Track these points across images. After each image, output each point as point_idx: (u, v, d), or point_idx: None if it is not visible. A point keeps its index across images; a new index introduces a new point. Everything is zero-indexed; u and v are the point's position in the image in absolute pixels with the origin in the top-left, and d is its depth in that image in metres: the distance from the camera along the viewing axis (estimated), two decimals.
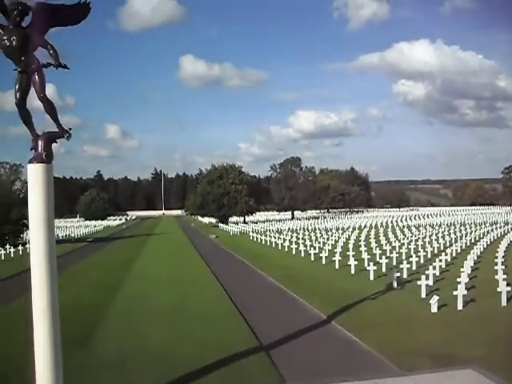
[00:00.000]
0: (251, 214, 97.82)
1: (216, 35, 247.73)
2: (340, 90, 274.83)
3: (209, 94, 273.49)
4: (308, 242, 39.44)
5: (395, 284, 20.89)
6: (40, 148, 8.49)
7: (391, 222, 77.95)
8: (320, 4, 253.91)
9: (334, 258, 28.59)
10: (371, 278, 23.30)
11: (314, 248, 34.87)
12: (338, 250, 31.67)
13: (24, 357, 10.21)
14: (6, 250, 43.59)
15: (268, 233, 56.86)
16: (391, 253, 30.48)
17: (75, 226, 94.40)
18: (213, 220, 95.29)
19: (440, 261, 25.30)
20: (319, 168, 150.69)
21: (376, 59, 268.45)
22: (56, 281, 8.50)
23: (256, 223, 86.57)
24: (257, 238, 51.48)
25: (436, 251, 32.91)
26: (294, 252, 37.10)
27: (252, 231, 62.69)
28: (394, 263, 27.33)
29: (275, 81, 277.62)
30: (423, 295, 18.44)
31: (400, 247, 34.57)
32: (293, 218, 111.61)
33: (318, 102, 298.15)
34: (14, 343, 13.75)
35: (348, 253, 29.75)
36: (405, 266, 23.95)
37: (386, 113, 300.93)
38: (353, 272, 25.58)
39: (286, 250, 39.28)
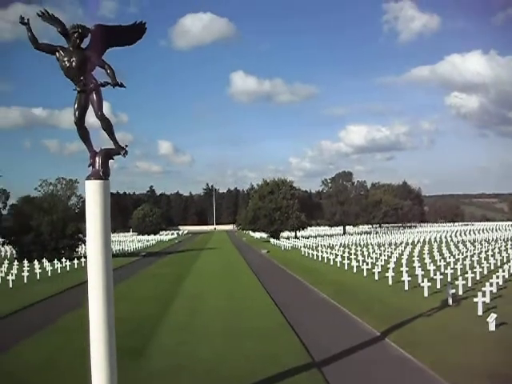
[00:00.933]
0: (302, 229, 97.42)
1: (266, 51, 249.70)
2: (391, 103, 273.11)
3: (259, 109, 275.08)
4: (360, 258, 39.04)
5: (450, 301, 20.47)
6: (97, 165, 8.75)
7: (445, 237, 76.39)
8: (370, 18, 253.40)
9: (386, 274, 28.22)
10: (425, 294, 22.88)
11: (367, 263, 34.48)
12: (391, 265, 31.22)
13: (80, 366, 10.45)
14: (62, 263, 44.64)
15: (319, 248, 56.55)
16: (446, 269, 29.87)
17: (128, 241, 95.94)
18: (264, 235, 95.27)
19: (497, 277, 24.62)
20: (371, 182, 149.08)
21: (427, 72, 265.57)
22: (112, 293, 8.70)
23: (307, 238, 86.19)
24: (308, 253, 51.25)
25: (492, 267, 32.07)
26: (346, 267, 36.78)
27: (303, 246, 62.45)
28: (449, 279, 26.76)
29: (326, 95, 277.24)
30: (480, 313, 18.00)
31: (455, 263, 33.82)
32: (344, 232, 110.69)
33: (368, 116, 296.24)
34: (69, 354, 14.09)
35: (401, 268, 29.31)
36: (460, 282, 23.39)
37: (439, 126, 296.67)
38: (406, 288, 25.18)
39: (338, 265, 38.98)
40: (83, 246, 61.33)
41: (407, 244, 61.69)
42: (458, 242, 63.69)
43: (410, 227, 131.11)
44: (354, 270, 34.43)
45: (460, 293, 22.57)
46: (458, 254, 41.86)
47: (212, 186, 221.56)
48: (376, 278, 29.74)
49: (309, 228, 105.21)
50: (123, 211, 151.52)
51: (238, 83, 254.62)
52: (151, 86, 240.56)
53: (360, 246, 62.59)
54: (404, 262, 34.45)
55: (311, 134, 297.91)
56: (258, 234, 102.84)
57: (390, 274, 27.93)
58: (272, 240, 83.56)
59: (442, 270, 29.88)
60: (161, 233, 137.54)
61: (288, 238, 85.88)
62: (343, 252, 46.39)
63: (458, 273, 28.75)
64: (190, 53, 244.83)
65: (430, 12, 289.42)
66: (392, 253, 45.48)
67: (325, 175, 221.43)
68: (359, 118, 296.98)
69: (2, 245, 68.30)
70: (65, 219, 57.46)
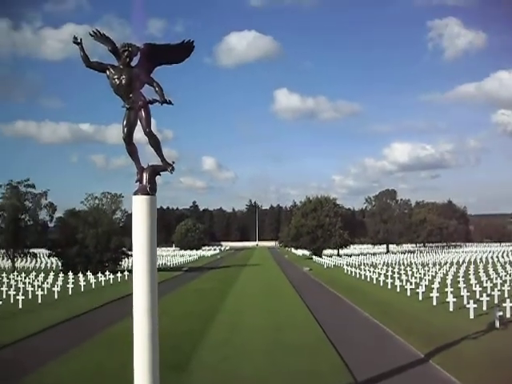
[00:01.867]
0: (345, 247, 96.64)
1: (310, 69, 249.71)
2: (436, 121, 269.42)
3: (303, 126, 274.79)
4: (404, 277, 38.46)
5: (497, 323, 19.96)
6: (145, 180, 8.89)
7: (491, 257, 74.64)
8: (414, 35, 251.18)
9: (431, 294, 27.71)
10: (471, 316, 22.37)
11: (410, 283, 33.96)
12: (436, 285, 30.65)
13: (124, 379, 10.55)
14: (105, 276, 45.29)
15: (362, 266, 55.93)
16: (492, 290, 29.15)
17: (171, 255, 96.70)
18: (306, 252, 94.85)
19: None
20: (415, 201, 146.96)
21: (473, 89, 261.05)
22: (156, 306, 8.79)
23: (350, 256, 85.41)
24: (351, 272, 50.77)
25: None
26: (389, 287, 36.29)
27: (346, 264, 61.90)
28: (496, 301, 26.13)
29: (369, 113, 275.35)
30: None
31: (502, 284, 33.01)
32: (388, 251, 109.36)
33: (413, 134, 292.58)
34: (113, 366, 14.25)
35: (446, 289, 28.76)
36: (508, 304, 22.79)
37: (485, 143, 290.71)
38: (451, 309, 24.69)
39: (381, 284, 38.48)
40: (127, 259, 62.16)
41: (452, 264, 60.54)
42: (505, 262, 62.18)
43: (454, 247, 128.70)
44: (398, 290, 33.94)
45: (508, 315, 22.01)
46: (505, 276, 40.86)
47: (255, 203, 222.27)
48: (420, 298, 29.25)
49: (351, 246, 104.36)
50: (166, 226, 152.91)
51: (281, 100, 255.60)
52: (196, 102, 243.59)
53: (403, 265, 61.69)
54: (449, 282, 33.81)
55: (355, 151, 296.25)
56: (300, 252, 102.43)
57: (434, 294, 27.42)
58: (314, 257, 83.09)
59: (489, 292, 29.19)
60: (203, 248, 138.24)
61: (330, 256, 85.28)
62: (386, 271, 45.79)
63: (506, 295, 28.05)
64: (235, 70, 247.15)
65: (475, 29, 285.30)
66: (436, 273, 44.67)
67: (368, 193, 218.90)
68: (403, 136, 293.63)
69: (49, 256, 69.65)
70: (109, 233, 58.41)
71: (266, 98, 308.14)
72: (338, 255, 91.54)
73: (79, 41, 9.11)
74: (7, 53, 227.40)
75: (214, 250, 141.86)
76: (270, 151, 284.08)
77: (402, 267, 54.55)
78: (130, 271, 48.84)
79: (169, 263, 74.85)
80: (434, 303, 26.85)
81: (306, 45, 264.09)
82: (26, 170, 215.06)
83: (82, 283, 39.19)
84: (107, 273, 46.92)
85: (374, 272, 44.95)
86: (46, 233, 69.86)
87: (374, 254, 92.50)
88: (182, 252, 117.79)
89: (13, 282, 39.61)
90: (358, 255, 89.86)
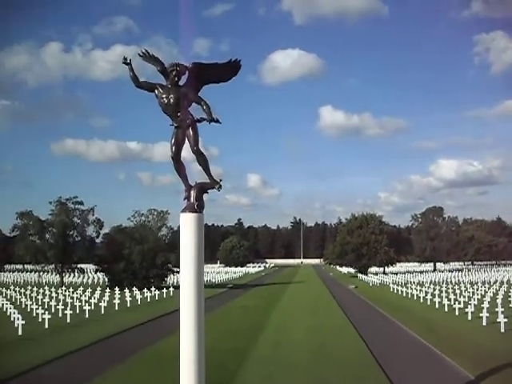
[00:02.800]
0: (391, 265, 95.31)
1: (355, 86, 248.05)
2: (483, 136, 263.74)
3: (348, 143, 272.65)
4: (452, 296, 37.69)
5: None
6: (192, 198, 8.96)
7: None
8: (459, 50, 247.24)
9: (480, 314, 27.06)
10: None
11: (459, 302, 33.22)
12: (485, 305, 29.92)
13: None
14: (151, 292, 45.71)
15: (409, 284, 55.03)
16: None
17: (216, 272, 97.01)
18: (351, 270, 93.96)
19: None
20: (462, 218, 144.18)
21: None
22: (203, 323, 8.81)
23: (396, 274, 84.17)
24: (397, 290, 50.01)
25: None
26: (436, 306, 35.58)
27: (392, 282, 61.04)
28: None
29: (415, 129, 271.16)
30: None
31: None
32: (435, 269, 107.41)
33: (459, 150, 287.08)
34: (159, 382, 14.31)
35: (496, 309, 27.98)
36: None
37: None
38: (502, 330, 24.02)
39: (428, 303, 37.78)
40: (172, 275, 62.65)
41: (502, 283, 59.04)
42: None
43: (504, 265, 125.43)
44: (446, 309, 33.27)
45: None
46: None
47: (299, 220, 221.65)
48: (469, 317, 28.59)
49: (398, 264, 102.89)
50: (211, 243, 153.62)
51: (326, 117, 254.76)
52: (242, 120, 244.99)
53: (451, 283, 60.47)
54: (499, 301, 32.94)
55: (400, 168, 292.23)
56: (345, 269, 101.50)
57: (484, 314, 26.77)
58: (360, 275, 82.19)
59: None
60: (248, 265, 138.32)
61: (376, 274, 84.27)
62: (434, 289, 44.94)
63: None
64: (279, 88, 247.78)
65: None
66: (486, 292, 43.64)
67: (414, 210, 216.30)
68: (450, 152, 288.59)
69: (96, 272, 70.71)
70: (155, 249, 59.04)
71: (310, 115, 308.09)
72: (384, 273, 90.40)
73: (129, 61, 9.30)
74: (59, 74, 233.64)
75: (259, 267, 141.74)
76: (315, 168, 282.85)
77: (450, 286, 53.45)
78: (176, 287, 49.19)
79: (214, 280, 75.06)
80: (484, 323, 26.20)
81: (351, 62, 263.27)
82: (75, 187, 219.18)
83: (128, 299, 39.63)
84: (153, 289, 47.34)
85: (420, 290, 44.20)
86: (93, 248, 71.12)
87: (421, 272, 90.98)
88: (227, 269, 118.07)
89: (61, 297, 40.33)
90: (405, 273, 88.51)
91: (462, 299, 35.25)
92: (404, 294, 46.03)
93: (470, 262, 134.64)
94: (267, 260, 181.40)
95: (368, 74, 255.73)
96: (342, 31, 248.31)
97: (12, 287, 54.36)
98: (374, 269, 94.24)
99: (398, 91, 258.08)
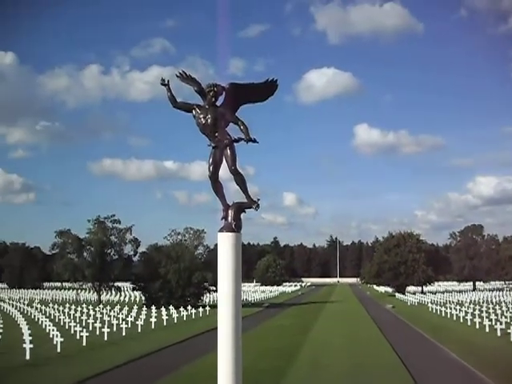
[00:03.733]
0: (429, 284, 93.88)
1: (390, 103, 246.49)
2: None
3: (384, 161, 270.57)
4: (493, 316, 36.89)
5: None
6: (230, 218, 8.97)
7: None
8: (496, 65, 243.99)
9: None
10: None
11: (500, 323, 32.49)
12: None
13: None
14: (187, 310, 45.82)
15: (448, 304, 54.09)
16: None
17: (252, 291, 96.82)
18: (389, 289, 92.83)
19: None
20: (502, 236, 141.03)
21: None
22: (240, 342, 8.78)
23: (434, 293, 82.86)
24: (436, 310, 49.17)
25: None
26: (477, 326, 34.85)
27: (430, 302, 60.05)
28: None
29: (452, 146, 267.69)
30: None
31: None
32: (474, 289, 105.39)
33: (498, 167, 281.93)
34: None
35: None
36: None
37: None
38: None
39: (469, 323, 37.03)
40: (208, 294, 62.75)
41: None
42: None
43: None
44: (487, 330, 32.55)
45: None
46: None
47: (336, 238, 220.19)
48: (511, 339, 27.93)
49: (436, 283, 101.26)
50: (247, 262, 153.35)
51: (361, 135, 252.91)
52: (277, 139, 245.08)
53: (492, 303, 59.25)
54: None
55: (437, 185, 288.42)
56: (382, 288, 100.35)
57: None
58: (397, 295, 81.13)
59: None
60: (284, 284, 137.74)
61: (414, 293, 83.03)
62: (474, 309, 44.07)
63: None
64: (315, 107, 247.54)
65: None
66: None
67: (453, 228, 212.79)
68: (488, 169, 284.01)
69: (133, 290, 71.30)
70: (191, 268, 59.28)
71: (346, 133, 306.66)
72: (422, 292, 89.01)
73: (166, 82, 9.43)
74: (98, 95, 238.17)
75: (295, 286, 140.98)
76: (351, 186, 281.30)
77: (491, 306, 52.38)
78: (212, 306, 49.29)
79: (250, 299, 74.87)
80: None
81: (386, 79, 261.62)
82: (113, 205, 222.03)
83: (165, 317, 39.81)
84: (189, 307, 47.46)
85: (460, 310, 43.40)
86: (131, 267, 71.75)
87: (460, 292, 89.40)
88: (263, 288, 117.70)
89: (98, 315, 40.71)
90: (443, 292, 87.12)
91: (503, 320, 34.49)
92: (443, 314, 45.24)
93: (511, 282, 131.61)
94: (303, 279, 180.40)
95: (403, 91, 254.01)
96: (376, 49, 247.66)
97: (51, 305, 55.10)
98: (411, 288, 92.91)
99: (433, 108, 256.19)
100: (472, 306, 50.73)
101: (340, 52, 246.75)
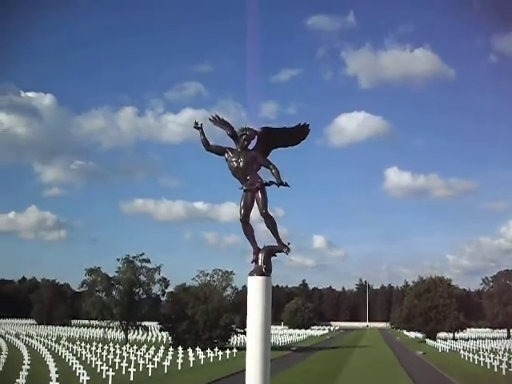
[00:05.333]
0: (461, 330, 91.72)
1: (421, 147, 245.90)
2: None
3: (414, 204, 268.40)
4: None
5: None
6: (260, 261, 8.94)
7: None
8: None
9: None
10: None
11: None
12: None
13: None
14: (214, 352, 45.39)
15: (481, 352, 52.65)
16: None
17: (279, 334, 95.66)
18: (419, 335, 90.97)
19: None
20: None
21: None
22: None
23: (467, 340, 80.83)
24: (468, 357, 47.91)
25: None
26: None
27: (463, 349, 58.53)
28: None
29: (484, 190, 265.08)
30: None
31: None
32: (509, 336, 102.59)
33: None
34: None
35: None
36: None
37: None
38: None
39: (504, 372, 35.97)
40: (235, 336, 62.18)
41: None
42: None
43: None
44: None
45: None
46: None
47: (365, 282, 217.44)
48: None
49: (468, 329, 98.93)
50: (275, 304, 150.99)
51: (392, 179, 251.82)
52: (307, 182, 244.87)
53: None
54: None
55: (469, 229, 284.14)
56: (412, 334, 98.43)
57: None
58: (428, 341, 79.42)
59: None
60: (312, 327, 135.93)
61: (445, 340, 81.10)
62: (509, 358, 42.81)
63: None
64: (345, 150, 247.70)
65: None
66: None
67: (485, 273, 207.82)
68: None
69: (160, 330, 71.07)
70: (219, 309, 58.97)
71: (376, 176, 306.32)
72: (454, 339, 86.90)
73: (200, 126, 9.55)
74: (131, 137, 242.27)
75: (323, 329, 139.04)
76: (381, 229, 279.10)
77: None
78: (239, 349, 48.81)
79: (277, 342, 73.92)
80: None
81: (416, 123, 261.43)
82: (142, 245, 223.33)
83: (192, 359, 39.48)
84: (216, 349, 47.03)
85: (494, 359, 42.19)
86: (158, 307, 71.64)
87: (494, 339, 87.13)
88: (291, 331, 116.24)
89: (125, 354, 40.55)
90: (476, 339, 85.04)
91: None
92: (476, 362, 44.07)
93: None
94: (332, 322, 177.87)
95: (434, 135, 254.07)
96: (407, 94, 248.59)
97: (78, 342, 55.07)
98: (442, 334, 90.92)
99: (464, 152, 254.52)
100: (507, 354, 49.31)
101: (371, 96, 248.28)
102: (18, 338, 63.55)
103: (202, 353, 43.78)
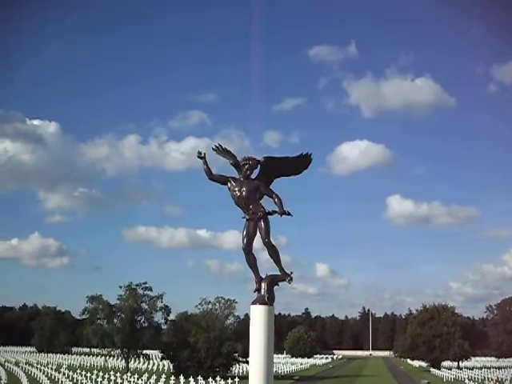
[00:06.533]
0: (466, 359, 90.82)
1: (423, 175, 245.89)
2: None
3: (417, 232, 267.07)
4: None
5: None
6: (263, 290, 8.90)
7: None
8: None
9: None
10: None
11: None
12: None
13: None
14: (216, 381, 44.93)
15: (486, 381, 52.06)
16: None
17: (282, 363, 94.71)
18: (423, 364, 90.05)
19: None
20: None
21: None
22: None
23: (472, 369, 79.85)
24: None
25: None
26: None
27: (468, 378, 57.82)
28: None
29: (486, 217, 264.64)
30: None
31: None
32: None
33: None
34: None
35: None
36: None
37: None
38: None
39: None
40: (238, 365, 61.61)
41: None
42: None
43: None
44: None
45: None
46: None
47: (368, 310, 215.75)
48: None
49: (473, 358, 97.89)
50: (278, 332, 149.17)
51: (394, 207, 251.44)
52: (310, 210, 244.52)
53: None
54: None
55: (472, 257, 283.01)
56: (416, 363, 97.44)
57: None
58: (432, 370, 78.55)
59: None
60: (315, 356, 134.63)
61: (450, 368, 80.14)
62: None
63: None
64: (348, 178, 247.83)
65: None
66: None
67: (489, 301, 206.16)
68: None
69: (161, 359, 70.50)
70: (221, 338, 58.56)
71: (379, 204, 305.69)
72: (458, 368, 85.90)
73: (203, 155, 9.58)
74: (135, 164, 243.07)
75: (326, 358, 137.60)
76: (384, 257, 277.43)
77: None
78: (241, 377, 48.33)
79: (280, 371, 73.18)
80: None
81: (419, 151, 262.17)
82: (145, 272, 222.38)
83: None
84: (218, 378, 46.55)
85: None
86: (160, 335, 71.13)
87: (499, 368, 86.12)
88: (294, 360, 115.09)
89: (126, 383, 40.13)
90: (481, 368, 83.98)
91: None
92: None
93: None
94: (335, 351, 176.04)
95: (436, 162, 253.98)
96: (409, 122, 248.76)
97: (78, 371, 54.56)
98: (447, 363, 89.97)
99: (467, 179, 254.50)
100: None
101: (373, 125, 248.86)
102: (18, 366, 63.07)
103: (203, 382, 43.36)
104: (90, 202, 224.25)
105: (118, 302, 67.84)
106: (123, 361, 71.16)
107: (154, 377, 47.33)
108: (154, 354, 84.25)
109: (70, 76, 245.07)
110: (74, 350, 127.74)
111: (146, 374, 52.33)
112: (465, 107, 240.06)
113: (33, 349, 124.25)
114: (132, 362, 73.16)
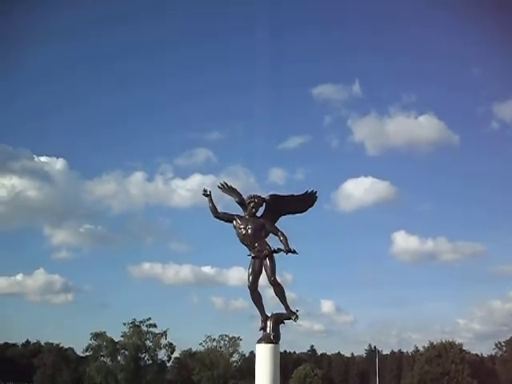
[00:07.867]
0: None
1: (428, 211, 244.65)
2: None
3: (422, 268, 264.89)
4: None
5: None
6: (269, 329, 8.83)
7: None
8: None
9: None
10: None
11: None
12: None
13: None
14: None
15: None
16: None
17: None
18: None
19: None
20: None
21: None
22: None
23: None
24: None
25: None
26: None
27: None
28: None
29: (493, 253, 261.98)
30: None
31: None
32: None
33: None
34: None
35: None
36: None
37: None
38: None
39: None
40: None
41: None
42: None
43: None
44: None
45: None
46: None
47: (375, 347, 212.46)
48: None
49: None
50: (283, 370, 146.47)
51: (399, 243, 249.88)
52: (315, 246, 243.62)
53: None
54: None
55: (479, 293, 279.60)
56: None
57: None
58: None
59: None
60: None
61: None
62: None
63: None
64: (353, 215, 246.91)
65: None
66: None
67: (497, 337, 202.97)
68: None
69: None
70: (225, 376, 57.90)
71: (384, 240, 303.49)
72: None
73: (208, 193, 9.62)
74: (141, 201, 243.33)
75: None
76: (390, 294, 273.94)
77: None
78: None
79: None
80: None
81: (423, 188, 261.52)
82: (149, 309, 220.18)
83: None
84: None
85: None
86: (164, 372, 70.29)
87: None
88: None
89: None
90: None
91: None
92: None
93: None
94: None
95: (441, 199, 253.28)
96: (413, 159, 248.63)
97: None
98: None
99: (472, 216, 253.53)
100: None
101: (377, 162, 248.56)
102: None
103: None
104: (96, 238, 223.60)
105: (121, 338, 67.27)
106: None
107: None
108: None
109: (80, 110, 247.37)
110: None
111: None
112: (468, 144, 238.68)
113: None
114: None
